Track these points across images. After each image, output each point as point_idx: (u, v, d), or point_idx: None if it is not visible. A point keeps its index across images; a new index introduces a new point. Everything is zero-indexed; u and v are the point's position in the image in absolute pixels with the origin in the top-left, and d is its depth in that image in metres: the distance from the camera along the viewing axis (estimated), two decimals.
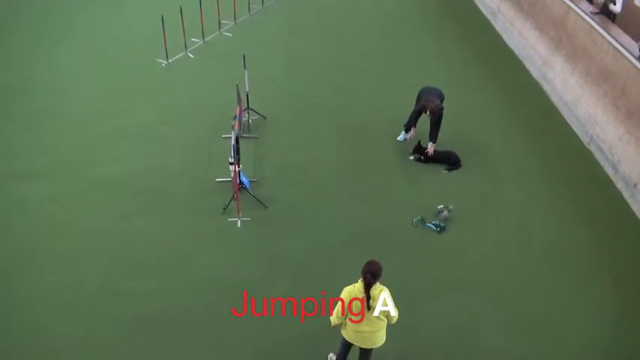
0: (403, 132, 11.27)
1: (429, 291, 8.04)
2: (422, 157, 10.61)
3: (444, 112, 10.36)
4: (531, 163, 10.76)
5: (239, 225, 9.18)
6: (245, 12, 16.36)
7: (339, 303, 6.21)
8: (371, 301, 6.07)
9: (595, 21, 11.32)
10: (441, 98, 10.58)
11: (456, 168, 10.51)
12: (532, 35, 14.03)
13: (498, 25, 16.15)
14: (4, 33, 15.40)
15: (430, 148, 10.55)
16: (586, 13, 11.67)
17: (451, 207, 9.34)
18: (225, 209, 9.37)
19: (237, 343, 7.43)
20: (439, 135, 10.49)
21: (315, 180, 10.21)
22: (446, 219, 9.26)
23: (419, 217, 9.31)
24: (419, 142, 10.62)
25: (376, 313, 6.12)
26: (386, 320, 6.30)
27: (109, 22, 16.12)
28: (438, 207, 9.44)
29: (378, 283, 6.07)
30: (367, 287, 6.03)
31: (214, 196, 9.70)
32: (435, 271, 8.39)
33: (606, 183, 10.35)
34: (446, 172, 10.44)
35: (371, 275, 6.00)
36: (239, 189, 9.32)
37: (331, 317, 6.37)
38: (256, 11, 16.80)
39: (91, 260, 8.54)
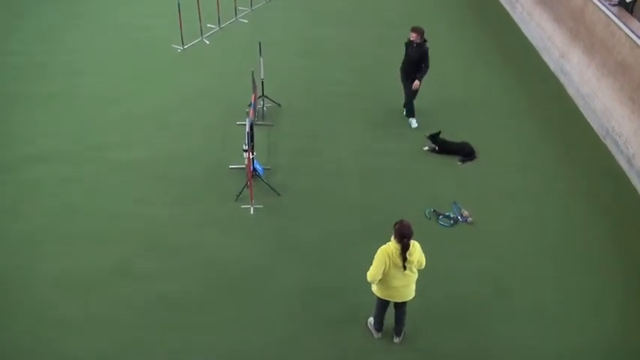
0: (412, 119, 11.35)
1: (439, 281, 8.05)
2: (436, 148, 10.60)
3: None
4: (546, 155, 10.70)
5: (251, 212, 9.23)
6: None
7: (376, 263, 6.52)
8: (407, 262, 6.45)
9: (613, 13, 11.21)
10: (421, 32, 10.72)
11: (470, 159, 10.49)
12: (550, 26, 13.91)
13: (516, 15, 16.02)
14: (23, 15, 15.52)
15: (414, 84, 10.89)
16: (604, 5, 11.55)
17: (470, 219, 9.23)
18: (238, 196, 9.43)
19: (249, 325, 7.51)
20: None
21: (328, 168, 10.23)
22: (461, 216, 9.23)
23: (432, 209, 9.31)
24: (439, 132, 10.59)
25: (410, 268, 6.55)
26: (417, 273, 6.72)
27: (127, 6, 16.20)
28: (460, 207, 9.38)
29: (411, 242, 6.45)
30: (405, 250, 6.40)
31: (228, 183, 9.76)
32: (445, 261, 8.38)
33: (621, 177, 10.28)
34: (460, 163, 10.42)
35: (407, 238, 6.37)
36: (252, 176, 9.36)
37: (368, 274, 6.64)
38: None
39: (104, 243, 8.64)
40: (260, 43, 11.31)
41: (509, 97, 12.49)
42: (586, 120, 11.76)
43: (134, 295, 7.85)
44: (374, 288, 6.84)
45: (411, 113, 11.35)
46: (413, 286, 6.80)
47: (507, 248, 8.74)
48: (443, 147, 10.56)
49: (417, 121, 11.31)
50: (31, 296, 7.81)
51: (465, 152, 10.53)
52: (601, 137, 11.19)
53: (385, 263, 6.45)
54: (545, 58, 13.96)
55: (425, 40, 10.74)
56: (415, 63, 10.80)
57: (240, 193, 9.44)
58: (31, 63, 13.29)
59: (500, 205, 9.55)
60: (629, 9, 11.42)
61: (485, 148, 10.73)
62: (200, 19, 14.20)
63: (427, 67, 10.83)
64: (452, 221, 9.14)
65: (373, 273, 6.58)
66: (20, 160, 10.21)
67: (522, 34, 15.31)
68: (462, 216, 9.22)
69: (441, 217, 9.20)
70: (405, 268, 6.50)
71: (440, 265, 8.16)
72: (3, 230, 8.82)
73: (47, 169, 10.04)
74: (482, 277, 8.23)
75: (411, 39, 10.73)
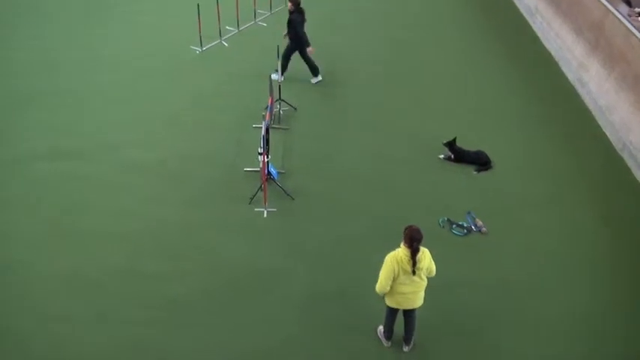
0: (278, 72, 11.80)
1: (451, 290, 8.03)
2: (452, 157, 10.57)
3: None
4: (562, 166, 10.64)
5: (265, 215, 9.25)
6: (282, 2, 16.41)
7: (385, 270, 6.52)
8: (416, 267, 6.43)
9: (633, 25, 11.13)
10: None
11: (486, 169, 10.46)
12: (569, 37, 13.85)
13: (536, 25, 15.96)
14: (43, 13, 15.69)
15: (308, 50, 12.18)
16: (624, 17, 11.48)
17: (484, 229, 9.18)
18: (252, 199, 9.46)
19: (258, 327, 7.52)
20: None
21: (343, 174, 10.23)
22: (475, 225, 9.20)
23: (445, 218, 9.29)
24: (454, 138, 10.56)
25: (419, 275, 6.53)
26: (426, 280, 6.69)
27: (146, 6, 16.33)
28: (474, 217, 9.35)
29: (421, 248, 6.45)
30: (414, 254, 6.39)
31: (242, 185, 9.79)
32: (458, 270, 8.36)
33: (636, 191, 10.19)
34: (475, 172, 10.39)
35: (417, 242, 6.37)
36: (267, 179, 9.38)
37: (378, 286, 6.66)
38: None
39: (115, 242, 8.69)
40: (278, 46, 11.35)
41: (525, 106, 12.44)
42: (603, 132, 11.68)
43: (143, 295, 7.89)
44: (385, 296, 6.84)
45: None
46: (422, 294, 6.78)
47: (520, 259, 8.69)
48: (458, 156, 10.53)
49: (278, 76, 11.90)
50: (39, 293, 7.87)
51: (480, 161, 10.50)
52: (618, 150, 11.10)
53: (394, 270, 6.45)
54: (564, 68, 13.89)
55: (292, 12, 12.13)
56: (287, 28, 12.32)
57: (254, 196, 9.47)
58: (47, 60, 13.44)
59: (515, 215, 9.50)
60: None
61: (500, 157, 10.69)
62: (219, 21, 14.28)
63: (297, 30, 12.12)
64: (465, 230, 9.11)
65: (382, 283, 6.58)
66: (34, 156, 10.32)
67: (541, 43, 15.24)
68: (475, 225, 9.19)
69: (454, 225, 9.18)
70: (414, 273, 6.48)
71: (452, 274, 8.15)
72: (15, 226, 8.91)
73: (60, 166, 10.14)
74: (494, 288, 8.19)
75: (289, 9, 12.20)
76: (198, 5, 13.56)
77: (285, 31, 12.42)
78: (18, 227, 8.88)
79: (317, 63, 12.71)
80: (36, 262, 8.30)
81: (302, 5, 12.18)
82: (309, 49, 12.27)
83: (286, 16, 12.25)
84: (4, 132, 10.95)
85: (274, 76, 11.68)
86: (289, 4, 12.18)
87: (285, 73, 11.71)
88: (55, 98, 12.02)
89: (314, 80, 12.95)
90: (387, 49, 14.66)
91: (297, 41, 12.22)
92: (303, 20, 12.18)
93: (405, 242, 6.43)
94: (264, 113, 10.17)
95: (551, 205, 9.73)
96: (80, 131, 11.03)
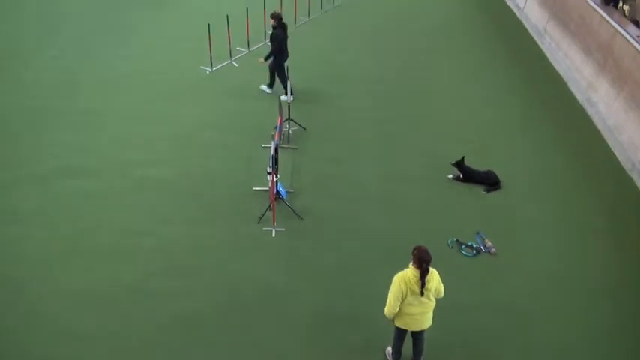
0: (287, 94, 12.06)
1: (459, 311, 8.00)
2: (460, 177, 10.58)
3: None
4: (570, 186, 10.62)
5: (273, 235, 9.28)
6: (291, 24, 16.55)
7: (393, 290, 6.50)
8: (424, 288, 6.41)
9: None
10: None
11: (495, 189, 10.45)
12: (578, 57, 13.89)
13: (545, 45, 16.01)
14: (57, 33, 15.90)
15: (259, 60, 12.70)
16: (633, 38, 11.52)
17: (493, 250, 9.14)
18: (260, 218, 9.49)
19: (265, 348, 7.51)
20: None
21: (352, 194, 10.25)
22: (484, 246, 9.19)
23: (454, 238, 9.28)
24: (462, 158, 10.58)
25: (427, 295, 6.50)
26: (434, 301, 6.65)
27: (158, 28, 16.52)
28: (483, 237, 9.33)
29: (429, 268, 6.45)
30: (423, 275, 6.38)
31: (251, 205, 9.83)
32: (466, 291, 8.33)
33: None
34: (485, 192, 10.38)
35: (426, 263, 6.36)
36: (275, 199, 9.42)
37: (386, 308, 6.64)
38: (302, 23, 17.00)
39: (125, 259, 8.75)
40: (287, 67, 11.44)
41: (534, 126, 12.45)
42: (612, 152, 11.66)
43: (151, 313, 7.91)
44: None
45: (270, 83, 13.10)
46: (430, 314, 6.75)
47: (529, 281, 8.64)
48: (467, 176, 10.53)
49: (268, 88, 13.09)
50: (52, 308, 7.90)
51: (490, 182, 10.49)
52: (627, 171, 11.08)
53: (402, 291, 6.43)
54: (573, 88, 13.91)
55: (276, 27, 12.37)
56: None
57: (263, 216, 9.50)
58: (63, 80, 13.60)
59: (524, 236, 9.47)
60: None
61: (509, 177, 10.68)
62: (229, 42, 14.41)
63: (272, 44, 12.46)
64: (474, 251, 9.09)
65: (391, 303, 6.56)
66: (50, 174, 10.43)
67: (550, 64, 15.28)
68: (485, 246, 9.17)
69: (463, 246, 9.16)
70: (422, 294, 6.46)
71: (461, 295, 8.13)
72: (30, 242, 8.99)
73: (75, 184, 10.23)
74: (503, 310, 8.15)
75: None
76: (209, 26, 13.71)
77: (261, 58, 12.81)
78: (33, 243, 8.96)
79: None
80: (49, 278, 8.35)
81: (284, 20, 12.56)
82: (259, 60, 12.80)
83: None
84: (22, 150, 11.08)
85: (283, 98, 11.89)
86: (272, 20, 12.41)
87: (290, 88, 11.89)
88: (71, 117, 12.15)
89: (263, 87, 13.31)
90: (396, 69, 14.72)
91: (280, 56, 12.55)
92: (285, 37, 12.54)
93: (414, 263, 6.42)
94: (273, 133, 10.25)
95: (561, 227, 9.70)
96: (95, 150, 11.14)
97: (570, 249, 9.25)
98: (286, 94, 11.82)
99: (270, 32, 12.62)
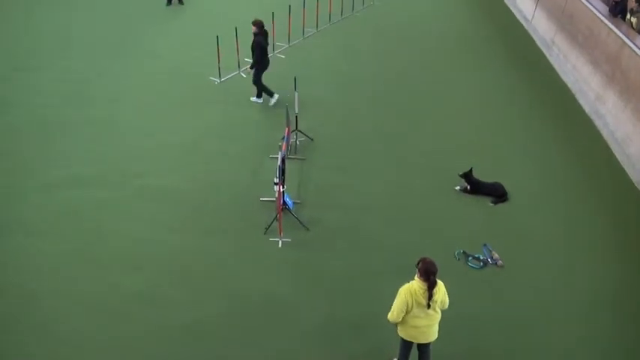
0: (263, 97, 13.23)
1: (465, 324, 7.98)
2: (468, 188, 10.57)
3: None
4: (579, 200, 10.58)
5: (280, 245, 9.29)
6: (299, 35, 16.64)
7: (398, 302, 6.47)
8: (431, 300, 6.38)
9: None
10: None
11: (502, 201, 10.43)
12: (585, 69, 13.88)
13: (552, 57, 16.01)
14: (69, 44, 16.03)
15: (246, 69, 13.27)
16: None
17: (500, 262, 9.10)
18: (267, 229, 9.51)
19: (271, 358, 7.52)
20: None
21: (358, 205, 10.26)
22: (491, 258, 9.15)
23: (461, 250, 9.26)
24: (470, 169, 10.58)
25: (433, 307, 6.47)
26: (440, 313, 6.61)
27: (167, 39, 16.60)
28: (490, 249, 9.30)
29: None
30: (431, 288, 6.35)
31: (257, 215, 9.86)
32: (473, 303, 8.32)
33: None
34: (492, 204, 10.36)
35: (433, 275, 6.33)
36: (282, 209, 9.44)
37: (390, 315, 6.62)
38: (310, 34, 17.05)
39: (133, 268, 8.80)
40: (295, 78, 11.49)
41: (542, 138, 12.42)
42: (620, 164, 11.62)
43: (157, 322, 7.95)
44: (397, 328, 6.80)
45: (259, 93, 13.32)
46: (436, 327, 6.72)
47: (536, 295, 8.61)
48: (475, 187, 10.53)
49: (257, 98, 13.38)
50: (62, 319, 7.96)
51: (497, 193, 10.48)
52: (635, 183, 11.04)
53: (407, 303, 6.41)
54: (581, 100, 13.89)
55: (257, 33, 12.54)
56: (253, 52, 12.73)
57: (270, 226, 9.52)
58: (74, 91, 13.69)
59: (531, 249, 9.44)
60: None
61: (517, 189, 10.67)
62: (238, 52, 14.49)
63: (255, 52, 12.61)
64: (481, 263, 9.07)
65: (394, 314, 6.56)
66: (59, 183, 10.51)
67: (558, 75, 15.27)
68: (492, 258, 9.15)
69: (470, 258, 9.14)
70: (429, 306, 6.43)
71: (467, 307, 8.11)
72: (39, 251, 9.05)
73: (84, 193, 10.30)
74: (508, 323, 8.12)
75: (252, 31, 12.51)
76: (217, 37, 13.80)
77: (248, 67, 13.17)
78: (42, 253, 9.03)
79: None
80: (60, 289, 8.41)
81: (265, 28, 12.76)
82: (247, 69, 13.23)
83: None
84: (32, 160, 11.16)
85: (272, 100, 13.05)
86: (253, 27, 12.51)
87: (273, 93, 12.86)
88: (81, 127, 12.24)
89: (254, 99, 13.44)
90: (405, 80, 14.75)
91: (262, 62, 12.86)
92: (267, 44, 12.84)
93: (421, 276, 6.38)
94: (280, 143, 10.28)
95: (569, 240, 9.66)
96: (103, 159, 11.22)
97: (578, 264, 9.21)
98: (259, 97, 13.11)
99: (252, 40, 12.73)
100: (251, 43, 12.69)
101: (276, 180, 9.16)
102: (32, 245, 9.17)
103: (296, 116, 11.61)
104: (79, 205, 10.03)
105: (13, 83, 13.97)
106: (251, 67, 12.93)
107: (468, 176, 10.55)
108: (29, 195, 10.23)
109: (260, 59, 12.74)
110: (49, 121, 12.39)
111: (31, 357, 7.44)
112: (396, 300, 6.52)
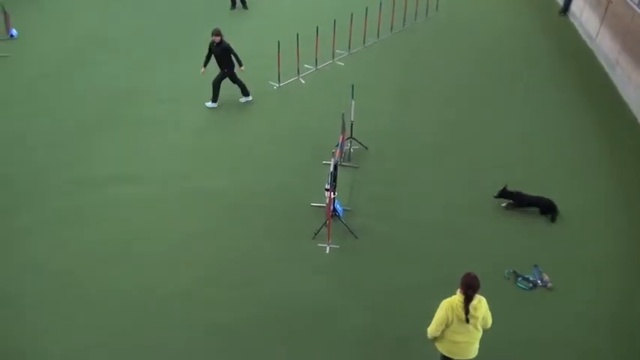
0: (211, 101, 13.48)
1: (510, 345, 7.86)
2: (512, 202, 10.44)
3: None
4: (634, 225, 10.28)
5: (327, 251, 9.35)
6: (360, 43, 16.70)
7: (438, 315, 6.46)
8: (469, 315, 6.31)
9: None
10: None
11: (553, 214, 10.26)
12: None
13: (616, 77, 15.63)
14: (130, 45, 16.50)
15: (242, 68, 13.22)
16: None
17: (550, 284, 8.93)
18: (316, 234, 9.58)
19: None
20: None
21: (408, 217, 10.23)
22: (541, 280, 9.00)
23: (511, 269, 9.13)
24: (505, 187, 10.45)
25: (474, 324, 6.40)
26: (481, 331, 6.52)
27: (228, 42, 16.86)
28: (541, 271, 9.14)
29: (476, 295, 6.35)
30: (467, 301, 6.32)
31: (307, 220, 9.94)
32: (520, 325, 8.18)
33: None
34: (549, 220, 10.21)
35: (472, 290, 6.29)
36: (332, 216, 9.50)
37: (429, 328, 6.61)
38: (371, 43, 17.09)
39: (173, 267, 8.99)
40: (353, 86, 11.56)
41: (599, 158, 12.12)
42: None
43: (193, 321, 8.08)
44: (436, 343, 6.75)
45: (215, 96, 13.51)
46: (476, 345, 6.63)
47: (585, 320, 8.37)
48: (518, 199, 10.39)
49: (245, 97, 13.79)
50: (99, 310, 8.22)
51: (542, 204, 10.33)
52: None
53: (447, 317, 6.38)
54: None
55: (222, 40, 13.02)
56: (220, 57, 13.06)
57: (319, 232, 9.59)
58: (128, 88, 14.13)
59: (584, 272, 9.19)
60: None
61: (574, 210, 10.42)
62: (298, 59, 14.64)
63: (234, 53, 13.14)
64: (531, 284, 8.91)
65: (433, 327, 6.53)
66: (107, 180, 10.85)
67: (620, 96, 14.89)
68: (542, 280, 8.97)
69: (520, 278, 8.99)
70: (467, 321, 6.38)
71: (512, 328, 8.00)
72: (82, 245, 9.37)
73: (131, 190, 10.62)
74: (556, 347, 7.93)
75: (215, 41, 12.93)
76: (278, 42, 13.98)
77: (242, 67, 13.40)
78: (83, 246, 9.33)
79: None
80: (99, 281, 8.68)
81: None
82: (242, 68, 13.31)
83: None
84: (83, 155, 11.60)
85: (242, 100, 13.68)
86: (218, 37, 12.92)
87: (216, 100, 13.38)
88: (133, 125, 12.65)
89: (243, 99, 13.79)
90: (462, 94, 14.63)
91: (231, 66, 13.23)
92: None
93: (461, 289, 6.37)
94: (334, 150, 10.33)
95: (625, 267, 9.35)
96: (153, 158, 11.56)
97: (632, 292, 8.92)
98: (214, 101, 13.43)
99: (215, 46, 13.06)
100: (219, 50, 13.03)
101: (327, 186, 9.23)
102: (80, 236, 9.51)
103: (352, 124, 11.67)
104: (124, 201, 10.35)
105: (82, 73, 14.46)
106: (240, 65, 13.32)
107: (505, 193, 10.43)
108: (76, 189, 10.62)
109: (229, 61, 13.20)
110: (98, 120, 12.84)
111: (68, 348, 7.69)
112: (436, 313, 6.50)
